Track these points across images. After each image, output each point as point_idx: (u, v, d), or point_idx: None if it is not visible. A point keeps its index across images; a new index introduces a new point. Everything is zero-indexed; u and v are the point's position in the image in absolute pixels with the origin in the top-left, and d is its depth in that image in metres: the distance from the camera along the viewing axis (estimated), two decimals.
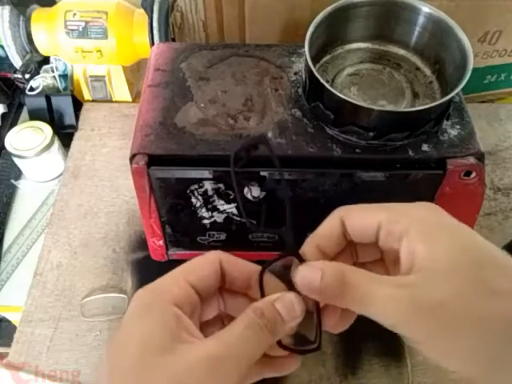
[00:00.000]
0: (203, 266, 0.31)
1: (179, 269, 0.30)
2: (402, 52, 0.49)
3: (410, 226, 0.27)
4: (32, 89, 0.72)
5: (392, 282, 0.27)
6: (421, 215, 0.28)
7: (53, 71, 0.74)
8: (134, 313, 0.28)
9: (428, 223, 0.28)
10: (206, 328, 0.31)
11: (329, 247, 0.31)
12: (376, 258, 0.32)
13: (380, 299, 0.26)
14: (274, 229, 0.34)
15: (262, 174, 0.43)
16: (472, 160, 0.42)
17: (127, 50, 0.72)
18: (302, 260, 0.30)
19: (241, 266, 0.32)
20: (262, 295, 0.30)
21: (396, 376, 0.52)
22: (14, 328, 0.57)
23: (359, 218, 0.30)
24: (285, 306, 0.28)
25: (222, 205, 0.47)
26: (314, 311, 0.29)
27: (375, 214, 0.29)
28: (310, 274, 0.28)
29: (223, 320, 0.33)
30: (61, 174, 0.70)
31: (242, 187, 0.45)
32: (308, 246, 0.31)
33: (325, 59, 0.49)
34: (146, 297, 0.29)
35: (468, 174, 0.43)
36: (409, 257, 0.27)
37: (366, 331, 0.52)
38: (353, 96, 0.45)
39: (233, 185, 0.37)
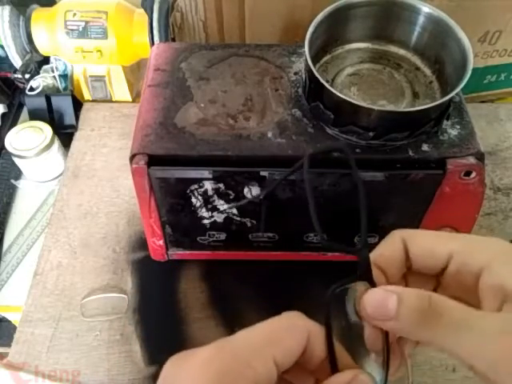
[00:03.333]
0: (292, 337, 0.25)
1: (265, 335, 0.25)
2: (401, 52, 0.49)
3: (492, 259, 0.25)
4: (32, 89, 0.72)
5: (495, 314, 0.24)
6: (500, 248, 0.26)
7: (53, 71, 0.74)
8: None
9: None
10: None
11: (391, 271, 0.28)
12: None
13: (483, 330, 0.23)
14: (348, 247, 0.29)
15: (262, 174, 0.43)
16: (472, 160, 0.42)
17: (127, 50, 0.72)
18: (373, 286, 0.27)
19: (323, 341, 0.26)
20: (334, 368, 0.26)
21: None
22: (14, 328, 0.57)
23: (427, 245, 0.28)
24: None
25: (222, 205, 0.47)
26: (383, 350, 0.27)
27: (446, 243, 0.27)
28: (383, 296, 0.25)
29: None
30: (61, 174, 0.70)
31: (241, 187, 0.45)
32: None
33: (325, 59, 0.49)
34: (225, 366, 0.23)
35: (468, 174, 0.43)
36: (496, 292, 0.25)
37: None
38: (353, 96, 0.45)
39: (306, 187, 0.33)
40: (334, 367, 0.26)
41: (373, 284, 0.27)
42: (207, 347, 0.24)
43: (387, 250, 0.28)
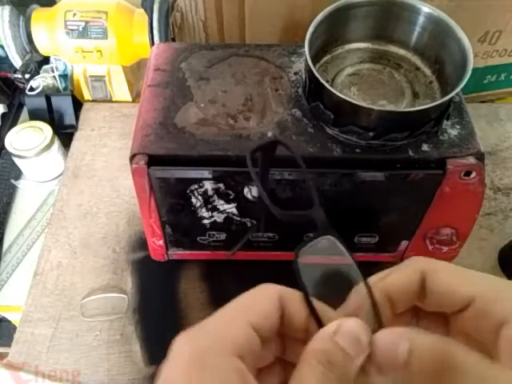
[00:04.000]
0: (263, 300, 0.25)
1: (236, 304, 0.25)
2: (401, 52, 0.49)
3: None
4: (32, 89, 0.72)
5: None
6: None
7: (53, 71, 0.74)
8: (187, 363, 0.22)
9: None
10: (260, 377, 0.25)
11: (399, 301, 0.26)
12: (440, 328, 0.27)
13: None
14: (300, 211, 0.30)
15: None
16: (472, 160, 0.42)
17: (127, 50, 0.72)
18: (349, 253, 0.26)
19: (299, 302, 0.26)
20: (319, 323, 0.25)
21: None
22: (14, 328, 0.57)
23: (448, 283, 0.25)
24: (348, 338, 0.23)
25: (221, 205, 0.47)
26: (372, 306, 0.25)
27: (469, 284, 0.25)
28: (393, 341, 0.23)
29: (280, 366, 0.28)
30: (61, 174, 0.70)
31: (241, 187, 0.45)
32: (377, 292, 0.26)
33: (325, 59, 0.49)
34: (201, 341, 0.23)
35: (468, 174, 0.43)
36: None
37: None
38: (353, 96, 0.45)
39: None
40: (320, 326, 0.25)
41: (338, 238, 0.27)
42: (182, 335, 0.24)
43: (402, 281, 0.26)
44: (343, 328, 0.23)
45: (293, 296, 0.26)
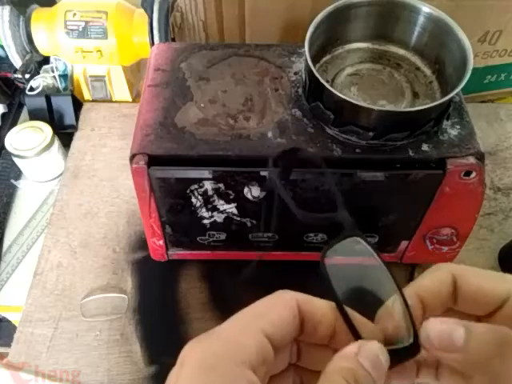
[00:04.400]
0: (278, 308, 0.24)
1: (250, 312, 0.24)
2: (401, 52, 0.49)
3: None
4: (32, 89, 0.72)
5: None
6: None
7: (53, 71, 0.74)
8: (197, 371, 0.21)
9: None
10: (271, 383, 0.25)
11: (433, 305, 0.26)
12: None
13: None
14: (326, 214, 0.29)
15: (262, 174, 0.43)
16: (472, 160, 0.42)
17: (127, 50, 0.72)
18: (382, 261, 0.25)
19: (323, 308, 0.25)
20: (356, 335, 0.24)
21: None
22: (14, 328, 0.57)
23: (481, 284, 0.25)
24: (371, 361, 0.23)
25: (222, 205, 0.47)
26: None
27: (503, 283, 0.25)
28: (447, 327, 0.23)
29: (292, 371, 0.27)
30: (61, 174, 0.70)
31: (241, 187, 0.45)
32: (410, 298, 0.25)
33: (325, 59, 0.49)
34: (213, 349, 0.22)
35: (468, 173, 0.43)
36: None
37: None
38: (353, 96, 0.45)
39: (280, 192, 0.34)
40: (355, 333, 0.24)
41: (365, 239, 0.26)
42: (193, 340, 0.23)
43: (434, 284, 0.26)
44: (365, 351, 0.23)
45: (313, 302, 0.25)
